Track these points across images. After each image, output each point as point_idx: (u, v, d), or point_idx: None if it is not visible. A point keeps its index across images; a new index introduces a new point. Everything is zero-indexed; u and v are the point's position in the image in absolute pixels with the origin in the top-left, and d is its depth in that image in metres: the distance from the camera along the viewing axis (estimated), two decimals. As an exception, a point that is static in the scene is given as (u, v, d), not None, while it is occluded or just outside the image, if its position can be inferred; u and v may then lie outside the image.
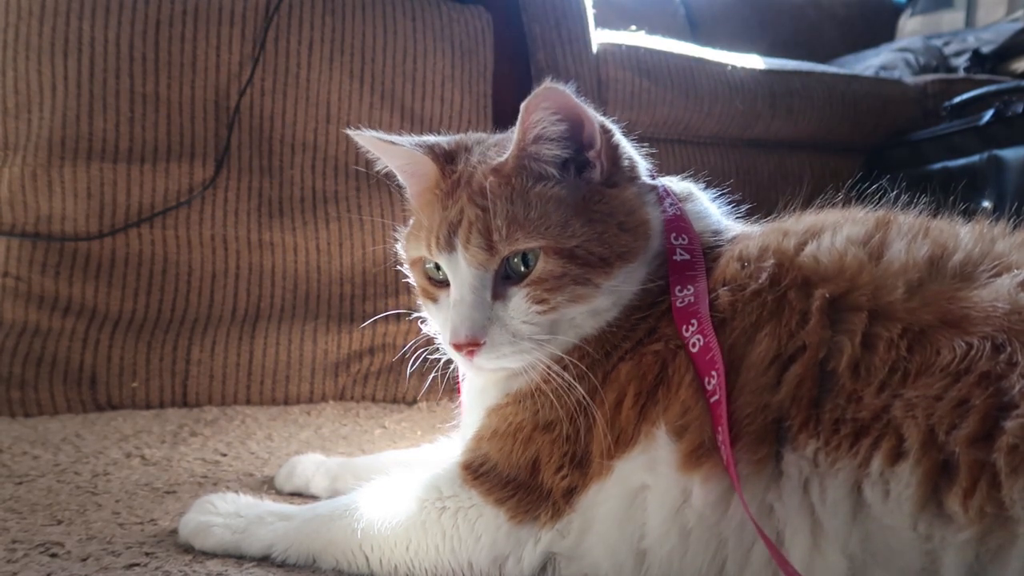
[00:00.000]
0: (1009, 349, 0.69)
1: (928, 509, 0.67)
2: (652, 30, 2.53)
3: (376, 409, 1.78)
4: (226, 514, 0.98)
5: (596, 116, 0.90)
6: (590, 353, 0.87)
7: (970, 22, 3.85)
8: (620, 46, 2.33)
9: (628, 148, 0.96)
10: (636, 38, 2.41)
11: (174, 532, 1.02)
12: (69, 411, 1.65)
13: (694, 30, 3.59)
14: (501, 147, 0.93)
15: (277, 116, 1.86)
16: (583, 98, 0.88)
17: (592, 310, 0.87)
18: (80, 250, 1.72)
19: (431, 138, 0.99)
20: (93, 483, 1.22)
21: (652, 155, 1.00)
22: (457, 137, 1.00)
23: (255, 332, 1.79)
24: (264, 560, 0.94)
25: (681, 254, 0.89)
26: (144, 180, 1.76)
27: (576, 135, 0.89)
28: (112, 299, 1.73)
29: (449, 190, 0.91)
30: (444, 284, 0.92)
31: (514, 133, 0.87)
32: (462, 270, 0.87)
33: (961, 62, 3.23)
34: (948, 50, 3.33)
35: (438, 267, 0.91)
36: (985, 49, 3.20)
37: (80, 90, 1.72)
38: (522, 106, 0.85)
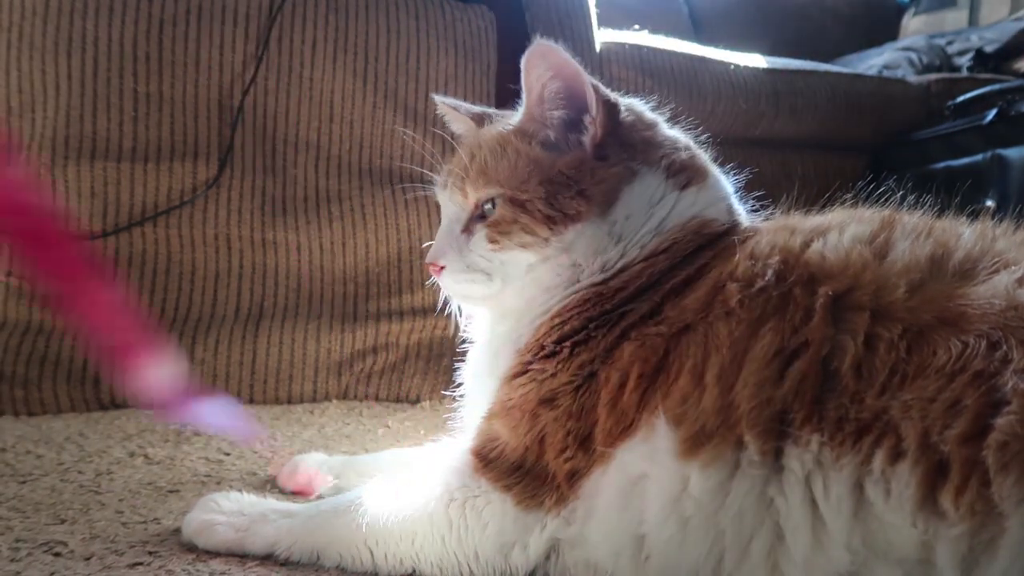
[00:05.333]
0: (1004, 347, 0.69)
1: (926, 507, 0.68)
2: (655, 29, 2.52)
3: (379, 408, 1.78)
4: (229, 512, 0.98)
5: (592, 82, 0.96)
6: (589, 311, 0.92)
7: (973, 21, 3.83)
8: (623, 45, 2.32)
9: (655, 131, 1.02)
10: (639, 37, 2.40)
11: (177, 531, 1.01)
12: (72, 410, 1.65)
13: (697, 29, 3.59)
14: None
15: (280, 115, 1.87)
16: (578, 58, 0.95)
17: (543, 258, 0.96)
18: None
19: (489, 108, 1.14)
20: (96, 482, 1.22)
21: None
22: (504, 112, 1.10)
23: (258, 331, 1.79)
24: (267, 558, 0.94)
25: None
26: (148, 179, 1.76)
27: (575, 96, 0.97)
28: (115, 298, 1.73)
29: (467, 143, 1.06)
30: None
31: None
32: (445, 205, 1.04)
33: (964, 61, 3.22)
34: (951, 49, 3.32)
35: None
36: (988, 48, 3.19)
37: (84, 89, 1.72)
38: (520, 66, 0.95)
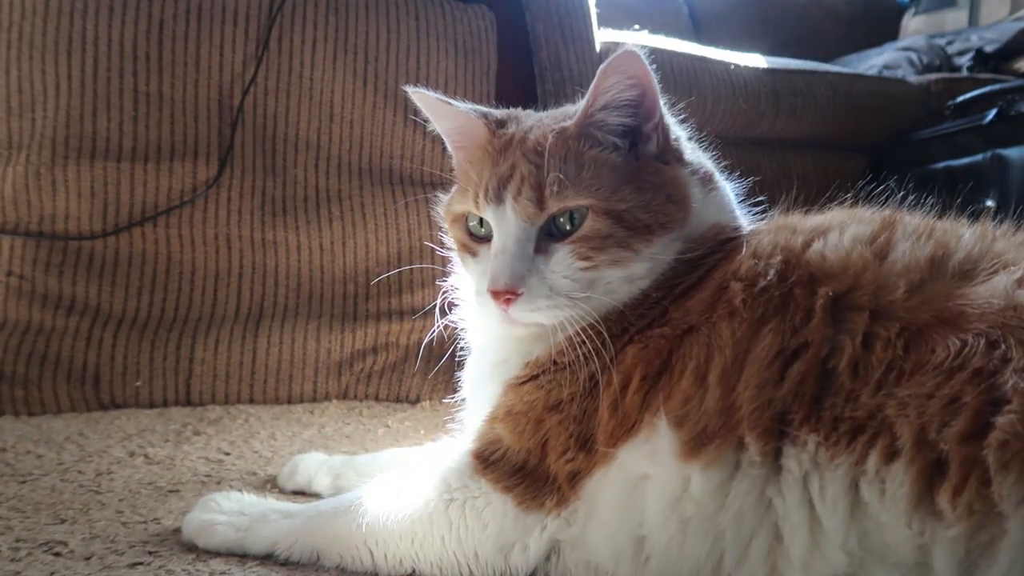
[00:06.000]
0: (1003, 346, 0.69)
1: (922, 507, 0.68)
2: (655, 29, 2.52)
3: (379, 408, 1.78)
4: (229, 512, 0.98)
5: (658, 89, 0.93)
6: (611, 327, 0.89)
7: (973, 21, 3.83)
8: (623, 45, 2.32)
9: (674, 127, 1.00)
10: (639, 37, 2.40)
11: (177, 531, 1.02)
12: (73, 410, 1.66)
13: (697, 29, 3.58)
14: (555, 116, 0.98)
15: (280, 115, 1.87)
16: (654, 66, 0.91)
17: (629, 275, 0.90)
18: (84, 249, 1.72)
19: (483, 107, 1.03)
20: (96, 482, 1.22)
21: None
22: (507, 110, 1.05)
23: (258, 331, 1.79)
24: (267, 558, 0.94)
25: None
26: (148, 179, 1.76)
27: (641, 105, 0.92)
28: (116, 298, 1.73)
29: (501, 148, 0.95)
30: (484, 240, 0.95)
31: (582, 98, 0.92)
32: (508, 222, 0.90)
33: (964, 61, 3.22)
34: (951, 49, 3.32)
35: (481, 223, 0.95)
36: (988, 48, 3.19)
37: (84, 89, 1.72)
38: (599, 70, 0.89)
